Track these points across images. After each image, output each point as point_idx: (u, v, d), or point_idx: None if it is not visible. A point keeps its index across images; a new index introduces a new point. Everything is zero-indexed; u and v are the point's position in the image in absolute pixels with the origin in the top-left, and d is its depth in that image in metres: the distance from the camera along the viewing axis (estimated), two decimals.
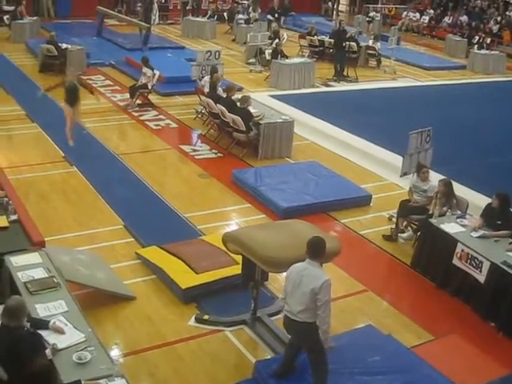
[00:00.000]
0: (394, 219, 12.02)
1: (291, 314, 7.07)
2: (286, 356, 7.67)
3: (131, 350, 8.25)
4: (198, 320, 8.92)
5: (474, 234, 10.18)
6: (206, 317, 8.95)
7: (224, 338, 8.64)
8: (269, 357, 8.23)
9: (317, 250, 6.98)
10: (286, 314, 7.17)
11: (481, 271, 9.58)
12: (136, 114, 18.20)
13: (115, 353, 8.08)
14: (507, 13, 36.13)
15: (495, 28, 35.30)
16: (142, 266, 10.18)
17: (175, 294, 9.40)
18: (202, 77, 18.43)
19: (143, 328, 8.71)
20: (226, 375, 7.88)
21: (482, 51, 29.99)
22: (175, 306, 9.22)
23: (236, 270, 9.11)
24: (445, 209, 11.05)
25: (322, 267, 7.06)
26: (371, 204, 13.22)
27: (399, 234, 11.77)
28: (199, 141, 16.45)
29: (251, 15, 32.28)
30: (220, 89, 16.95)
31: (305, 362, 7.50)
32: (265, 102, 18.45)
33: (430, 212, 11.14)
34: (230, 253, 9.00)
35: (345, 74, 24.81)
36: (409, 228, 11.88)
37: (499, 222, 10.34)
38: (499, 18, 35.87)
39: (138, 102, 18.89)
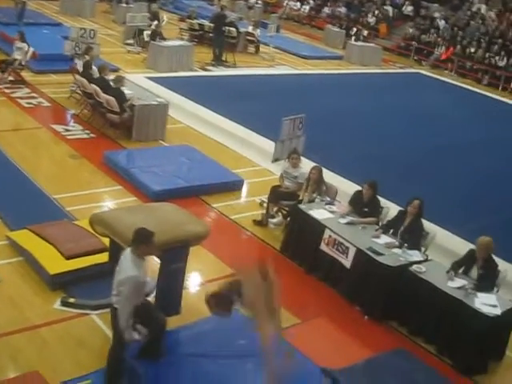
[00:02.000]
0: (265, 205, 12.14)
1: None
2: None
3: None
4: (64, 303, 8.75)
5: (342, 221, 10.43)
6: (71, 300, 8.78)
7: (90, 321, 8.51)
8: None
9: (133, 239, 6.85)
10: None
11: (347, 257, 9.83)
12: (7, 91, 17.60)
13: None
14: (384, 6, 37.09)
15: (372, 21, 36.20)
16: (9, 248, 9.88)
17: (43, 278, 9.16)
18: (76, 54, 18.07)
19: (6, 311, 8.45)
20: (92, 360, 7.73)
21: (359, 43, 30.74)
22: (41, 290, 8.99)
23: (107, 256, 8.95)
24: (314, 195, 11.25)
25: (137, 259, 6.82)
26: (243, 189, 13.33)
27: (269, 220, 11.90)
28: (72, 121, 16.10)
29: None
30: (94, 68, 16.63)
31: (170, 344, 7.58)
32: (141, 83, 18.28)
33: (300, 198, 11.32)
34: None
35: (223, 58, 24.89)
36: (279, 213, 12.03)
37: (366, 210, 10.64)
38: (376, 12, 36.79)
39: (11, 78, 18.28)
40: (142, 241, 6.78)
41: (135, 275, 6.70)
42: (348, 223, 10.40)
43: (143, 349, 7.48)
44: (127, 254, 6.88)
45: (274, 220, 11.94)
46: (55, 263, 9.22)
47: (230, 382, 7.43)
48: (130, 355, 7.47)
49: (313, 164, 11.94)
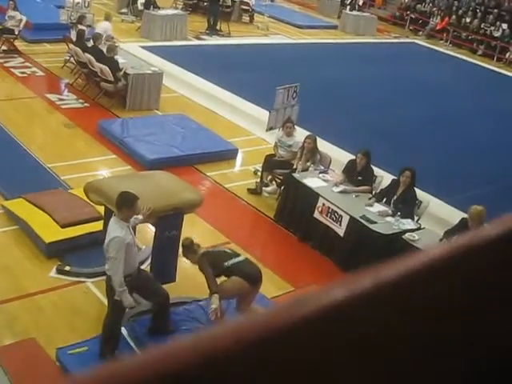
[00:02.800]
0: (259, 173, 12.17)
1: None
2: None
3: None
4: (60, 271, 8.81)
5: (336, 189, 10.45)
6: (67, 268, 8.84)
7: (86, 289, 8.57)
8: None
9: (116, 203, 6.92)
10: None
11: (340, 225, 9.89)
12: (1, 61, 17.50)
13: None
14: None
15: None
16: (4, 217, 9.93)
17: (38, 247, 9.22)
18: (72, 23, 18.01)
19: (2, 279, 8.50)
20: (88, 327, 7.80)
21: (354, 12, 30.55)
22: (37, 258, 9.05)
23: (101, 225, 9.00)
24: (308, 164, 11.29)
25: (120, 222, 6.92)
26: (238, 158, 13.37)
27: (263, 188, 11.94)
28: (66, 90, 16.07)
29: None
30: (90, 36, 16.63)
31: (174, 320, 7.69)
32: (135, 52, 18.19)
33: (294, 167, 11.35)
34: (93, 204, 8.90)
35: (218, 28, 24.76)
36: (273, 182, 12.08)
37: (360, 178, 10.68)
38: None
39: (4, 48, 18.18)
40: (125, 204, 6.85)
41: (116, 235, 6.77)
42: (341, 192, 10.44)
43: (152, 325, 7.59)
44: (112, 219, 6.97)
45: (268, 188, 11.99)
46: (50, 232, 9.27)
47: None
48: (140, 332, 7.57)
49: (307, 133, 11.95)
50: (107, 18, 18.46)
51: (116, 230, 6.83)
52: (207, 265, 7.34)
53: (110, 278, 6.92)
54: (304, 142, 11.41)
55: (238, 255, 7.60)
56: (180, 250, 8.05)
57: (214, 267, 7.34)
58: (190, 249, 7.60)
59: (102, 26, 18.03)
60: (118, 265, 6.79)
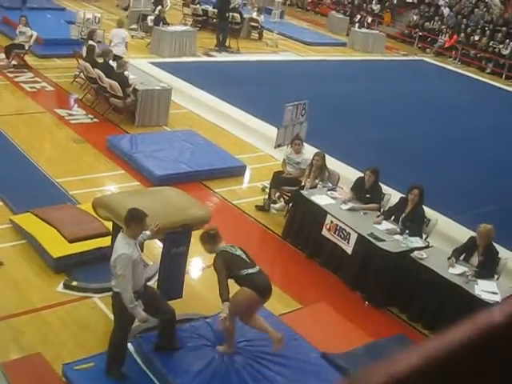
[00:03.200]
0: (267, 190, 12.16)
1: None
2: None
3: None
4: (67, 286, 8.80)
5: (344, 207, 10.44)
6: (74, 283, 8.83)
7: (93, 304, 8.55)
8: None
9: (125, 220, 6.89)
10: None
11: (348, 242, 9.86)
12: (11, 75, 17.62)
13: None
14: None
15: (376, 8, 36.07)
16: (12, 231, 9.93)
17: (46, 261, 9.21)
18: (82, 38, 18.13)
19: (9, 294, 8.50)
20: (95, 342, 7.78)
21: (363, 30, 30.65)
22: (44, 273, 9.03)
23: (109, 240, 8.99)
24: (317, 181, 11.28)
25: (127, 239, 6.87)
26: (246, 175, 13.37)
27: (272, 205, 11.93)
28: (75, 105, 16.13)
29: None
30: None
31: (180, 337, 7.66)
32: (145, 68, 18.26)
33: (302, 184, 11.35)
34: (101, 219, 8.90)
35: (227, 44, 24.85)
36: (281, 199, 12.07)
37: (368, 196, 10.67)
38: None
39: (14, 62, 18.29)
40: (134, 221, 6.82)
41: (123, 252, 6.73)
42: (350, 209, 10.42)
43: (158, 342, 7.55)
44: (119, 236, 6.94)
45: (276, 205, 11.97)
46: (58, 247, 9.27)
47: (245, 370, 7.46)
48: (147, 348, 7.55)
49: (315, 150, 11.96)
50: (120, 25, 18.63)
51: (123, 246, 6.81)
52: (223, 267, 7.24)
53: (116, 294, 6.91)
54: (312, 159, 11.40)
55: (253, 265, 7.48)
56: (187, 266, 8.05)
57: (228, 270, 7.26)
58: (214, 239, 7.47)
59: (120, 35, 18.23)
60: (126, 282, 6.77)
